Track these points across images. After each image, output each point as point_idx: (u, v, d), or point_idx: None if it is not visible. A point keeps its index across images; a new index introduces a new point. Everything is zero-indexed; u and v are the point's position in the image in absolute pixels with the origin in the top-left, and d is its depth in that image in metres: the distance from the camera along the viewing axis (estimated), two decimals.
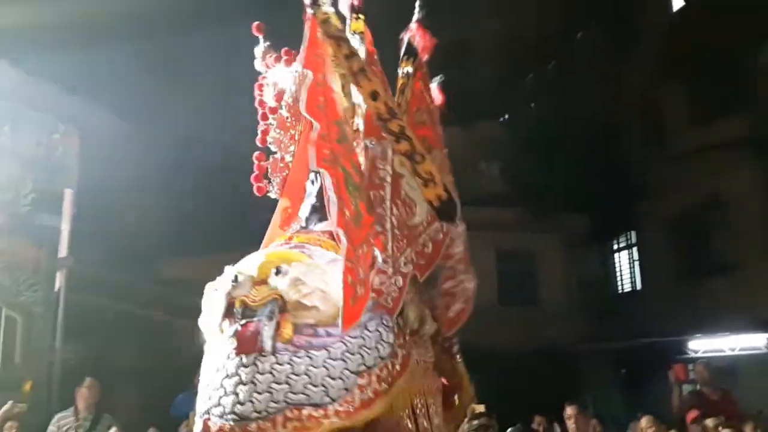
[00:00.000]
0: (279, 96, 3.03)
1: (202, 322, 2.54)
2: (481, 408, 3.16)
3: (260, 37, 3.10)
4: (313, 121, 2.37)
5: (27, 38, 6.73)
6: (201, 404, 2.36)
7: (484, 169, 16.25)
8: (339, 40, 2.54)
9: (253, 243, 2.89)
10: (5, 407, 5.92)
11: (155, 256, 10.84)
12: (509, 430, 7.77)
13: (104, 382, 6.43)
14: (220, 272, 2.53)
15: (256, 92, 3.13)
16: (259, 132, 3.10)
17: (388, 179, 2.59)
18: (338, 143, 2.42)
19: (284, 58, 3.04)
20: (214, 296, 2.48)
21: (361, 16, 2.89)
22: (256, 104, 3.13)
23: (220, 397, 2.29)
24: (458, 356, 3.10)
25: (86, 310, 9.16)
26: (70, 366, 8.27)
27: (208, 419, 2.31)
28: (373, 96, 2.55)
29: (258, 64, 3.10)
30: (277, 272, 2.42)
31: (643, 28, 16.05)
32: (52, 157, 8.95)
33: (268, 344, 2.31)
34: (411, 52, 3.02)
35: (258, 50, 3.11)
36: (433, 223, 2.62)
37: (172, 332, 9.72)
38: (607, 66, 16.08)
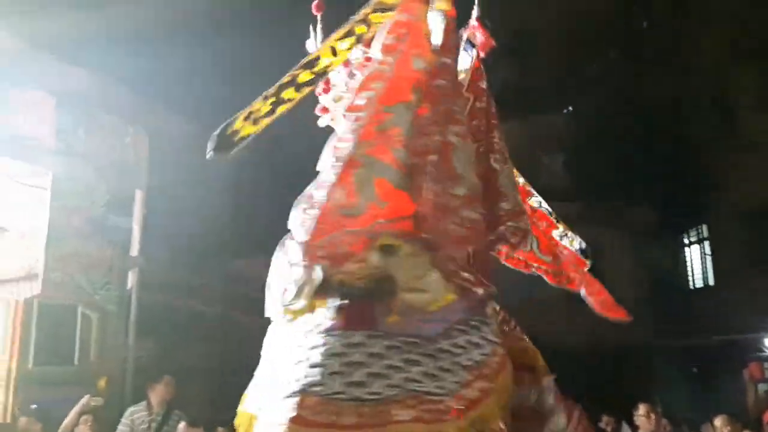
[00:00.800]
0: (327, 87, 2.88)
1: (272, 296, 2.40)
2: None
3: (318, 15, 2.96)
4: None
5: (100, 44, 6.97)
6: (290, 383, 2.13)
7: (547, 163, 15.98)
8: None
9: None
10: (82, 401, 6.17)
11: (223, 254, 11.07)
12: None
13: (174, 378, 6.61)
14: None
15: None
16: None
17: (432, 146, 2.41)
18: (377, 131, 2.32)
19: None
20: (291, 271, 2.29)
21: None
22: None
23: (324, 375, 2.09)
24: (523, 335, 2.94)
25: (157, 308, 9.42)
26: (142, 363, 8.54)
27: (304, 397, 2.07)
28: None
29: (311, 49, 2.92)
30: (387, 251, 2.29)
31: (712, 11, 15.49)
32: (123, 160, 9.25)
33: (380, 324, 2.18)
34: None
35: (313, 37, 2.97)
36: (475, 203, 2.45)
37: (241, 330, 9.90)
38: (675, 52, 15.58)
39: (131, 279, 8.75)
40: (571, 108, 16.98)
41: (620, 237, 15.97)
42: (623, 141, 15.27)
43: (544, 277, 3.31)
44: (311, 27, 3.00)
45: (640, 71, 15.64)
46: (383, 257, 2.26)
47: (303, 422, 2.03)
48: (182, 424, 5.69)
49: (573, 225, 3.52)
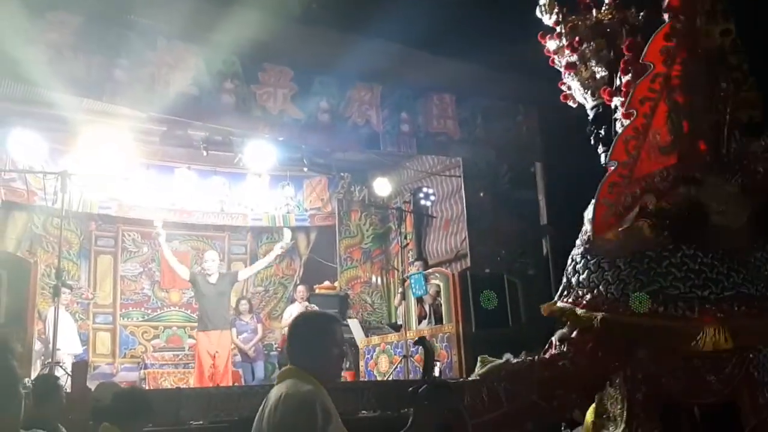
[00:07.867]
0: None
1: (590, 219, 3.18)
2: None
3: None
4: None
5: (486, 41, 7.58)
6: (643, 286, 2.71)
7: None
8: None
9: None
10: (519, 358, 6.85)
11: None
12: None
13: None
14: None
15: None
16: None
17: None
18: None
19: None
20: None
21: None
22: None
23: (673, 279, 2.68)
24: None
25: None
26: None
27: (659, 296, 2.68)
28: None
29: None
30: (693, 182, 2.89)
31: None
32: (518, 138, 9.89)
33: (702, 239, 2.70)
34: None
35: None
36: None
37: None
38: None
39: (545, 246, 9.32)
40: None
41: None
42: None
43: None
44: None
45: None
46: (692, 188, 2.82)
47: (667, 318, 2.64)
48: None
49: None
